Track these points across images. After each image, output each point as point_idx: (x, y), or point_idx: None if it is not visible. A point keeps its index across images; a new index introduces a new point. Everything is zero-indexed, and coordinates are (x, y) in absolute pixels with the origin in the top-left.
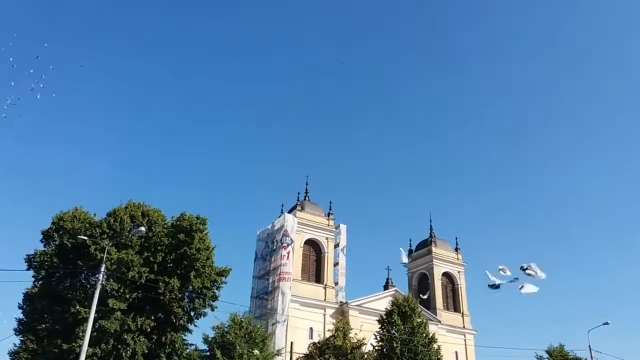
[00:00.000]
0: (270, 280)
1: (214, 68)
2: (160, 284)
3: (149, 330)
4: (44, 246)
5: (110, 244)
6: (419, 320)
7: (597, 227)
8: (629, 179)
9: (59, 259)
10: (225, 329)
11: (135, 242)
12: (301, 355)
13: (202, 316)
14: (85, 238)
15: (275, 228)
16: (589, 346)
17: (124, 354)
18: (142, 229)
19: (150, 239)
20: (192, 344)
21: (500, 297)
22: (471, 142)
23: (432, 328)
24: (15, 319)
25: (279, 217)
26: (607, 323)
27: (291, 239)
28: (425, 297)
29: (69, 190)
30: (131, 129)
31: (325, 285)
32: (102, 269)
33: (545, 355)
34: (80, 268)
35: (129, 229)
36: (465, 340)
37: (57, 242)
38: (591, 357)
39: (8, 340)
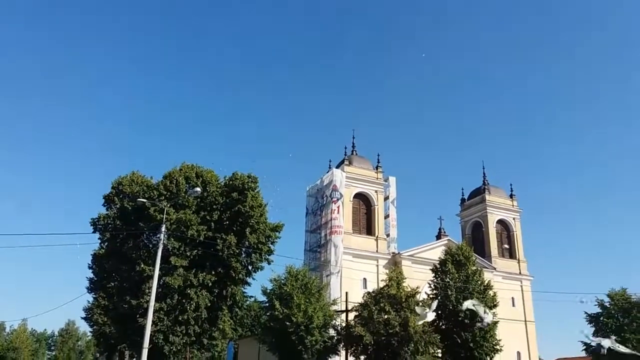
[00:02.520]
0: (322, 234)
1: (267, 26)
2: (218, 240)
3: (210, 284)
4: (106, 210)
5: (168, 205)
6: (474, 268)
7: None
8: None
9: (121, 221)
10: (282, 281)
11: (191, 203)
12: (356, 304)
13: (259, 270)
14: (144, 200)
15: (324, 183)
16: None
17: (188, 307)
18: (198, 189)
19: (205, 198)
20: (252, 296)
21: (558, 243)
22: (525, 92)
23: (487, 275)
24: (87, 278)
25: (327, 172)
26: None
27: (340, 194)
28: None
29: (124, 158)
30: (169, 96)
31: (377, 237)
32: (163, 228)
33: (607, 299)
34: (141, 229)
35: (184, 190)
36: (521, 286)
37: (118, 206)
38: None
39: (82, 298)
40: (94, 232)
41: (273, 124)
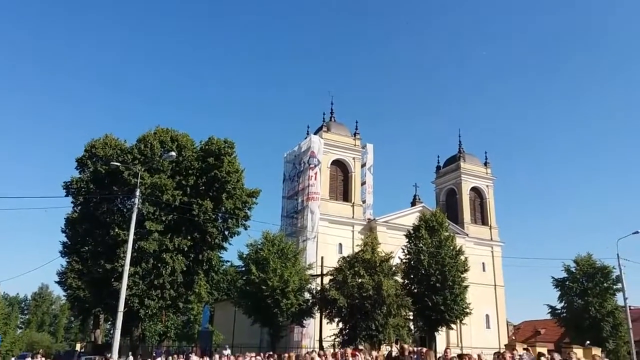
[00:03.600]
0: (299, 200)
1: None
2: (194, 206)
3: (186, 249)
4: (79, 173)
5: (142, 169)
6: (446, 234)
7: (622, 150)
8: None
9: (94, 185)
10: (259, 246)
11: (166, 167)
12: (331, 269)
13: (235, 235)
14: (118, 164)
15: (302, 150)
16: (617, 255)
17: (163, 271)
18: (173, 153)
19: (180, 163)
20: (228, 261)
21: (529, 210)
22: (500, 58)
23: (459, 241)
24: (60, 242)
25: (305, 138)
26: (637, 232)
27: (318, 160)
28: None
29: (97, 119)
30: (153, 56)
31: (353, 203)
32: (137, 193)
33: (573, 265)
34: (115, 193)
35: (159, 154)
36: (492, 252)
37: (91, 169)
38: (619, 265)
39: (56, 262)
40: (66, 195)
41: (251, 88)
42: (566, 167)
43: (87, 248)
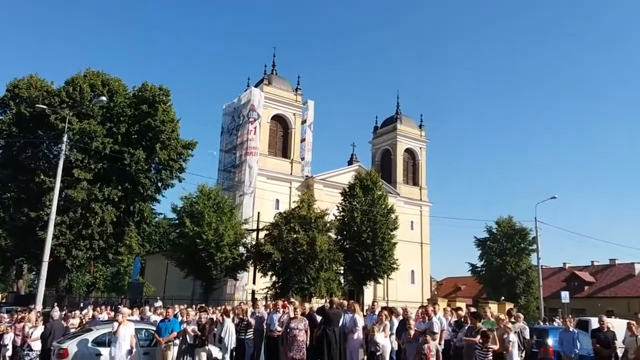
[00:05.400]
0: (238, 154)
1: None
2: (126, 155)
3: (116, 199)
4: (0, 114)
5: (70, 114)
6: (380, 193)
7: (546, 117)
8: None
9: (17, 128)
10: (194, 200)
11: (96, 112)
12: (267, 224)
13: (169, 187)
14: (44, 107)
15: (242, 102)
16: (535, 218)
17: (92, 221)
18: (103, 98)
19: (112, 109)
20: (161, 213)
21: (457, 172)
22: (440, 22)
23: (391, 200)
24: None
25: (246, 91)
26: (554, 197)
27: (258, 114)
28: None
29: (21, 59)
30: None
31: (292, 160)
32: (65, 138)
33: (495, 226)
34: (41, 137)
35: (89, 98)
36: (421, 211)
37: (14, 111)
38: (536, 227)
39: None
40: None
41: (190, 35)
42: (495, 133)
43: (9, 195)
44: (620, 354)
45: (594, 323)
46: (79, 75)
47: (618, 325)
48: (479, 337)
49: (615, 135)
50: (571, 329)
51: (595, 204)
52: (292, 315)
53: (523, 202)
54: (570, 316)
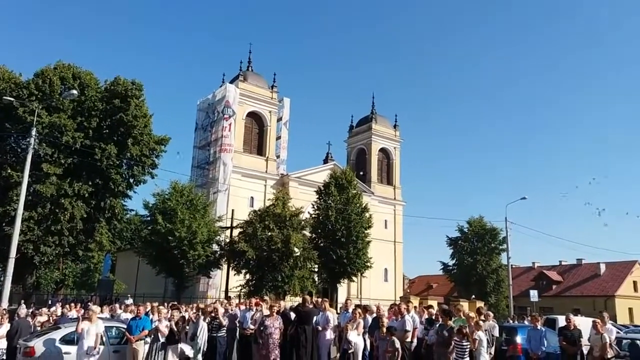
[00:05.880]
0: (212, 151)
1: None
2: (97, 150)
3: (87, 195)
4: None
5: (40, 107)
6: (354, 192)
7: (518, 120)
8: None
9: None
10: (166, 196)
11: (67, 106)
12: (242, 221)
13: (141, 183)
14: (12, 99)
15: (217, 98)
16: (505, 218)
17: (62, 217)
18: (74, 91)
19: (83, 103)
20: (133, 210)
21: (431, 174)
22: (415, 25)
23: (365, 199)
24: None
25: (221, 87)
26: (524, 198)
27: (233, 111)
28: (362, 173)
29: None
30: None
31: (267, 157)
32: (33, 132)
33: (466, 225)
34: (8, 131)
35: (59, 91)
36: (394, 210)
37: None
38: (506, 227)
39: None
40: None
41: (164, 28)
42: (468, 134)
43: None
44: (585, 352)
45: (561, 321)
46: (48, 67)
47: (584, 324)
48: (456, 336)
49: (583, 137)
50: (539, 327)
51: (564, 205)
52: (265, 313)
53: (494, 202)
54: (538, 314)
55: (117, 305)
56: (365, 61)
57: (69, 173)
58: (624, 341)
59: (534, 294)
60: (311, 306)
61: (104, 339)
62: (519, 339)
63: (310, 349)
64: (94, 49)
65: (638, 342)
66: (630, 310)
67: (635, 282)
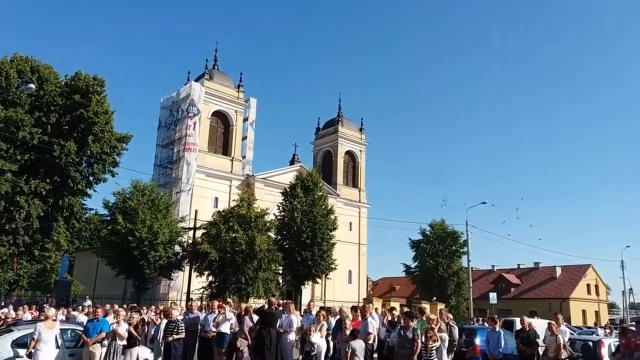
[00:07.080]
0: (175, 150)
1: None
2: (55, 146)
3: (44, 193)
4: None
5: None
6: (320, 193)
7: (480, 120)
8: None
9: None
10: (127, 196)
11: (24, 100)
12: (205, 222)
13: (101, 182)
14: None
15: (181, 96)
16: (466, 221)
17: (17, 215)
18: (32, 85)
19: (41, 97)
20: (92, 209)
21: (395, 177)
22: (389, 22)
23: (331, 201)
24: None
25: (186, 84)
26: (484, 202)
27: (198, 109)
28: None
29: None
30: None
31: (233, 158)
32: None
33: (428, 228)
34: None
35: (16, 84)
36: (359, 212)
37: None
38: (467, 231)
39: None
40: None
41: (127, 23)
42: (431, 138)
43: None
44: (541, 352)
45: (518, 323)
46: (5, 59)
47: (540, 325)
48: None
49: (543, 142)
50: (497, 329)
51: (523, 210)
52: (228, 316)
53: (455, 206)
54: (496, 317)
55: (73, 307)
56: (332, 63)
57: (26, 170)
58: (577, 342)
59: (493, 297)
60: (276, 308)
61: (59, 341)
62: (478, 340)
63: (274, 350)
64: (54, 44)
65: (590, 343)
66: (584, 312)
67: (588, 285)
